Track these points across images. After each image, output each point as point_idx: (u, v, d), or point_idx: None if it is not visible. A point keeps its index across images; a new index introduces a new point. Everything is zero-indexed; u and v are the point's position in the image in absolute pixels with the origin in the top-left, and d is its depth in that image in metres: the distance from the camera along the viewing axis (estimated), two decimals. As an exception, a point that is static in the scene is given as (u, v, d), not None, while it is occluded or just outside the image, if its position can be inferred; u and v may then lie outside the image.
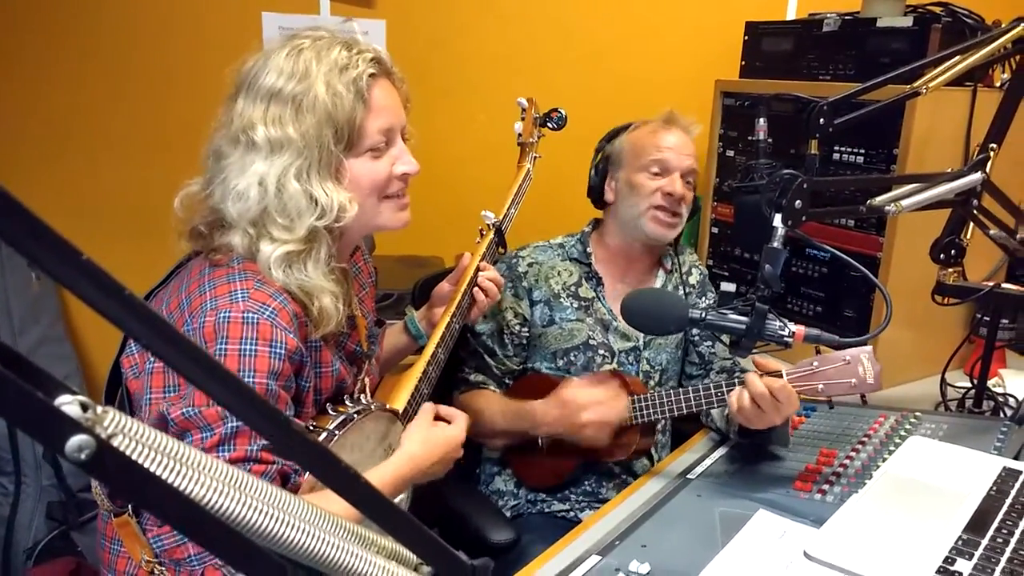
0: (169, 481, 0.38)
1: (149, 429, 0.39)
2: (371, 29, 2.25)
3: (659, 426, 1.70)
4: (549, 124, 1.72)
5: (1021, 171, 1.95)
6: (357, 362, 1.30)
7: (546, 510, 1.68)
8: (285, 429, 0.43)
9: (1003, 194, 1.49)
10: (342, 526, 0.48)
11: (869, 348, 1.32)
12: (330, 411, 1.14)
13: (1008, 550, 1.02)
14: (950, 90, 1.67)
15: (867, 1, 2.01)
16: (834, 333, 1.19)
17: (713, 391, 1.47)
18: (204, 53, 2.12)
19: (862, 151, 1.85)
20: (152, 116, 2.14)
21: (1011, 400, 1.71)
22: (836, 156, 1.90)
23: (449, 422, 1.27)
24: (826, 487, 1.33)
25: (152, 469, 0.38)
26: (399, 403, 1.28)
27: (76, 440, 0.34)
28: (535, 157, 1.72)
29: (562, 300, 1.71)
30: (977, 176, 1.44)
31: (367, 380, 1.30)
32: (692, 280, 1.83)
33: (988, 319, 1.67)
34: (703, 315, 1.23)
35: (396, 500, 1.15)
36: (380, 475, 1.13)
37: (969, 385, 1.70)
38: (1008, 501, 1.14)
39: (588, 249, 1.76)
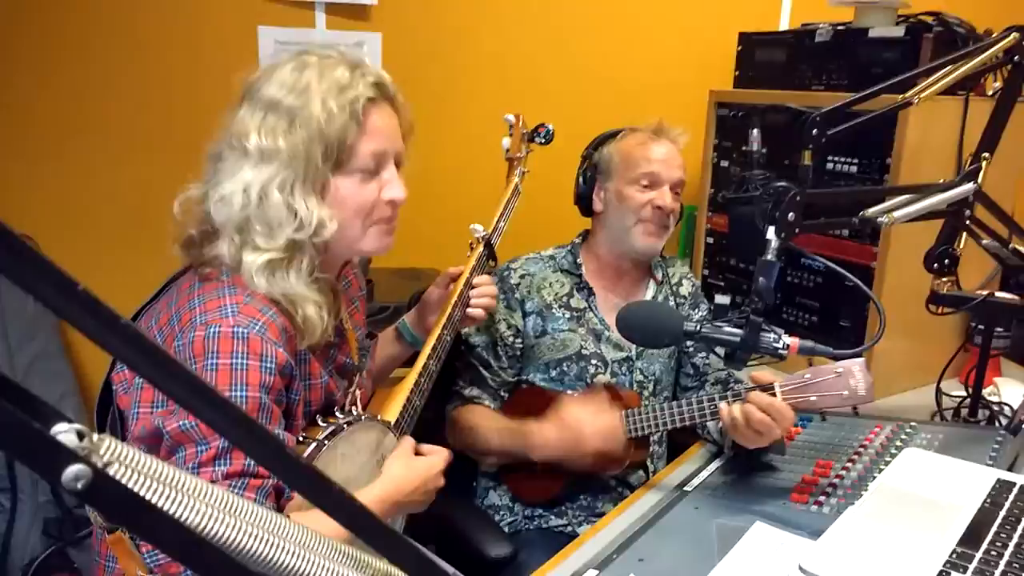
0: (165, 509, 0.38)
1: (145, 456, 0.39)
2: (367, 41, 2.26)
3: (654, 438, 1.71)
4: (537, 139, 1.73)
5: (1013, 180, 1.96)
6: (348, 375, 1.31)
7: (544, 525, 1.68)
8: (277, 452, 0.43)
9: (995, 204, 1.49)
10: (336, 548, 0.48)
11: (862, 360, 1.33)
12: (320, 422, 1.14)
13: (1002, 563, 1.03)
14: (942, 99, 1.68)
15: (859, 11, 2.03)
16: (830, 343, 1.20)
17: (707, 404, 1.46)
18: (200, 66, 2.13)
19: (855, 161, 1.86)
20: (149, 124, 2.15)
21: (1006, 409, 1.72)
22: (830, 166, 1.91)
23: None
24: (823, 499, 1.33)
25: (148, 497, 0.38)
26: (391, 414, 1.28)
27: (72, 470, 0.34)
28: (523, 172, 1.72)
29: (554, 311, 1.71)
30: (969, 186, 1.44)
31: (358, 393, 1.30)
32: (683, 291, 1.83)
33: (983, 328, 1.68)
34: (698, 328, 1.23)
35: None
36: (367, 497, 1.13)
37: (964, 394, 1.71)
38: (1002, 513, 1.14)
39: (578, 260, 1.76)
